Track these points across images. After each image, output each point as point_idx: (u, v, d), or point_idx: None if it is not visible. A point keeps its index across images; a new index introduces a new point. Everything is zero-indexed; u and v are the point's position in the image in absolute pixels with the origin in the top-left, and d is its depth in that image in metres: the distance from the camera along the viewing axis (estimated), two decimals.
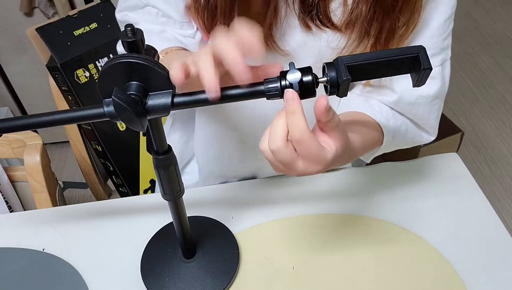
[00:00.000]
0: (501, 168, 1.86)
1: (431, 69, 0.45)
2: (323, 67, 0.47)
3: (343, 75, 0.45)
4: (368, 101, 0.69)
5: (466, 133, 1.90)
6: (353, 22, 0.60)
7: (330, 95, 0.47)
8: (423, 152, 1.69)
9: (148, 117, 0.46)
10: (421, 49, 0.45)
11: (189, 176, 0.90)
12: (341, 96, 0.47)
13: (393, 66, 0.47)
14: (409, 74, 0.48)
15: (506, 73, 2.29)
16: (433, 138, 0.74)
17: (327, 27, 0.61)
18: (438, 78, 0.67)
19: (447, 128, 1.81)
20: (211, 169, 0.84)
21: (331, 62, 0.46)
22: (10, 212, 0.92)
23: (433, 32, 0.64)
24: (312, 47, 0.64)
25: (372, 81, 0.70)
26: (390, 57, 0.46)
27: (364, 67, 0.46)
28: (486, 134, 1.99)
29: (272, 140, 0.45)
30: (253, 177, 0.84)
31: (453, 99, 2.12)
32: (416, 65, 0.46)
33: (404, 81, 0.65)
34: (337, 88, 0.46)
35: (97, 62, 1.00)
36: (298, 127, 0.44)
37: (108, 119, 0.46)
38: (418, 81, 0.47)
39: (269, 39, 0.61)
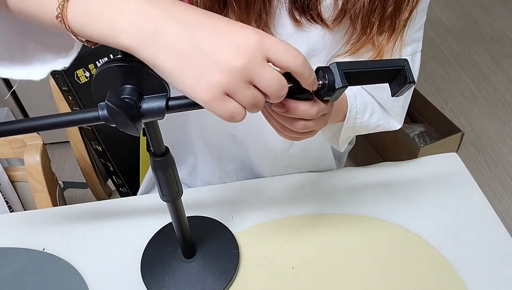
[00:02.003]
0: (500, 168, 1.86)
1: (414, 83, 0.47)
2: (317, 70, 0.47)
3: (341, 82, 0.46)
4: None
5: (466, 133, 1.90)
6: (342, 18, 0.61)
7: (324, 98, 0.48)
8: (423, 152, 1.69)
9: (143, 121, 0.46)
10: (406, 62, 0.48)
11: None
12: (332, 100, 0.48)
13: (381, 76, 0.49)
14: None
15: (505, 72, 2.29)
16: (399, 126, 0.74)
17: (317, 23, 0.62)
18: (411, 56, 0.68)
19: (447, 128, 1.81)
20: (210, 165, 0.85)
21: (327, 67, 0.47)
22: (10, 212, 0.92)
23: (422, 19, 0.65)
24: (304, 38, 0.64)
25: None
26: (382, 68, 0.48)
27: (358, 75, 0.47)
28: (486, 134, 1.99)
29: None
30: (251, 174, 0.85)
31: (453, 99, 2.12)
32: (399, 77, 0.48)
33: None
34: (332, 93, 0.47)
35: (97, 62, 1.00)
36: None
37: (103, 122, 0.46)
38: (399, 93, 0.49)
39: (263, 25, 0.61)
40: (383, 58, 0.64)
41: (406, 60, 0.47)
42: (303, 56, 0.40)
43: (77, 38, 0.41)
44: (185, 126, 0.82)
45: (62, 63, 0.46)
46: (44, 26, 0.43)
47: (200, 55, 0.37)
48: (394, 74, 0.48)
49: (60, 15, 0.39)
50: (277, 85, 0.39)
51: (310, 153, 0.82)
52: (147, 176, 0.96)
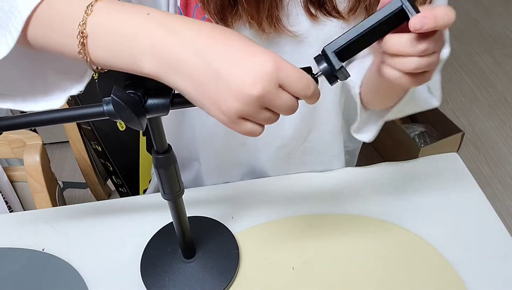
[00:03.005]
0: (501, 168, 1.85)
1: (419, 12, 0.43)
2: (315, 60, 0.47)
3: (335, 65, 0.45)
4: None
5: (466, 133, 1.90)
6: (357, 8, 0.60)
7: (332, 84, 0.47)
8: (423, 152, 1.69)
9: (148, 116, 0.46)
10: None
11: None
12: (343, 80, 0.47)
13: (380, 30, 0.45)
14: None
15: (506, 72, 2.28)
16: (438, 104, 0.73)
17: (333, 16, 0.62)
18: (447, 46, 0.67)
19: (447, 128, 1.80)
20: (212, 167, 0.85)
21: (319, 55, 0.46)
22: (10, 212, 0.92)
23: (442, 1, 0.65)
24: (321, 31, 0.64)
25: None
26: (375, 24, 0.45)
27: (353, 45, 0.45)
28: (487, 134, 1.99)
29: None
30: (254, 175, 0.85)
31: (453, 99, 2.12)
32: (403, 17, 0.44)
33: None
34: (336, 77, 0.46)
35: None
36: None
37: (108, 118, 0.46)
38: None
39: (275, 21, 0.61)
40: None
41: None
42: (314, 86, 0.43)
43: (98, 69, 0.43)
44: (189, 133, 0.82)
45: (78, 88, 0.48)
46: (65, 59, 0.44)
47: (217, 84, 0.39)
48: (396, 19, 0.45)
49: (82, 51, 0.41)
50: (290, 109, 0.42)
51: (322, 147, 0.81)
52: (154, 178, 0.95)
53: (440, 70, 0.70)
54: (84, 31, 0.40)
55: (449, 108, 2.07)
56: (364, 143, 0.93)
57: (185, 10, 0.63)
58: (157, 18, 0.40)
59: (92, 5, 0.40)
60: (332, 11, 0.61)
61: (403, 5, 0.43)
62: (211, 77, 0.39)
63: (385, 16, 0.44)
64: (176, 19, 0.41)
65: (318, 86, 0.46)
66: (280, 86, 0.41)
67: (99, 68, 0.43)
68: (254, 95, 0.39)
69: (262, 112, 0.41)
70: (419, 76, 0.48)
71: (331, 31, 0.64)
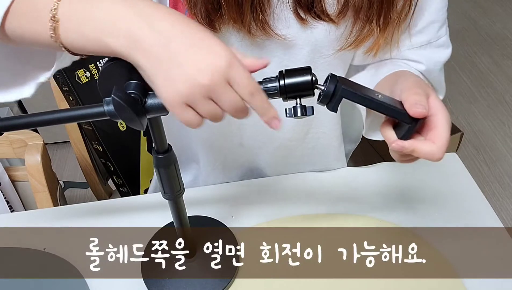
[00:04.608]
0: (500, 167, 1.86)
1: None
2: (328, 76, 0.48)
3: (334, 105, 0.48)
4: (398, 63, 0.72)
5: (465, 133, 1.90)
6: (346, 12, 0.61)
7: (320, 104, 0.49)
8: None
9: (148, 116, 0.47)
10: (413, 122, 0.51)
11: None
12: (329, 109, 0.50)
13: (383, 111, 0.50)
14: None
15: (505, 73, 2.29)
16: (442, 97, 0.77)
17: (322, 19, 0.62)
18: (448, 45, 0.72)
19: None
20: (212, 168, 0.85)
21: (335, 76, 0.48)
22: (11, 212, 0.92)
23: (438, 5, 0.68)
24: (310, 35, 0.64)
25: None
26: (383, 106, 0.50)
27: (357, 99, 0.49)
28: (485, 134, 1.99)
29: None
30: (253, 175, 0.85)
31: (452, 99, 2.12)
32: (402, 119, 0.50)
33: (423, 52, 0.70)
34: (328, 102, 0.48)
35: (97, 62, 1.00)
36: None
37: (108, 118, 0.46)
38: (404, 136, 0.51)
39: (263, 25, 0.61)
40: (389, 51, 0.68)
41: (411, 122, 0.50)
42: (260, 96, 0.44)
43: (71, 53, 0.45)
44: (187, 135, 0.82)
45: (46, 76, 0.51)
46: (38, 47, 0.47)
47: (172, 64, 0.41)
48: (396, 117, 0.51)
49: (53, 36, 0.44)
50: (235, 109, 0.43)
51: (320, 148, 0.82)
52: (155, 176, 0.96)
53: (443, 68, 0.73)
54: (56, 16, 0.43)
55: (448, 108, 2.07)
56: (359, 144, 0.94)
57: None
58: (125, 2, 0.43)
59: None
60: (322, 15, 0.61)
61: (409, 127, 0.50)
62: (166, 56, 0.41)
63: (394, 111, 0.50)
64: (145, 3, 0.43)
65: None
66: (229, 84, 0.42)
67: (73, 52, 0.45)
68: (202, 83, 0.41)
69: (207, 102, 0.43)
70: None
71: (320, 34, 0.64)
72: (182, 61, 0.41)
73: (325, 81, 0.48)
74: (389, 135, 0.53)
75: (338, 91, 0.47)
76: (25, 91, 0.51)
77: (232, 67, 0.42)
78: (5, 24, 0.46)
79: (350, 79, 0.53)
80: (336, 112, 0.49)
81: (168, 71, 0.42)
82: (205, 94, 0.42)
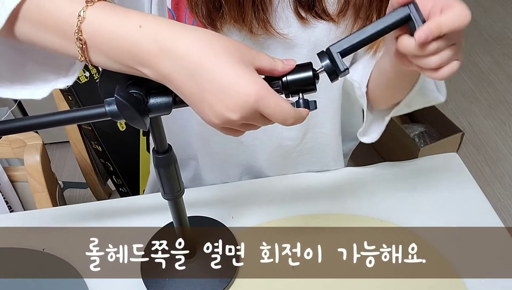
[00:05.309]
0: (501, 168, 1.85)
1: (424, 22, 0.45)
2: (318, 56, 0.47)
3: (341, 67, 0.46)
4: None
5: (466, 133, 1.90)
6: (346, 10, 0.61)
7: (333, 81, 0.48)
8: (423, 152, 1.69)
9: (150, 116, 0.46)
10: (411, 6, 0.45)
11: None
12: (342, 77, 0.48)
13: (384, 33, 0.47)
14: None
15: (506, 72, 2.28)
16: (443, 99, 0.74)
17: (323, 18, 0.62)
18: None
19: (447, 128, 1.80)
20: (211, 167, 0.85)
21: (323, 52, 0.47)
22: (10, 212, 0.92)
23: None
24: (311, 34, 0.64)
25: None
26: (383, 30, 0.46)
27: (357, 47, 0.47)
28: (486, 134, 1.99)
29: None
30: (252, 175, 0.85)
31: (453, 99, 2.12)
32: (407, 20, 0.46)
33: None
34: (337, 76, 0.47)
35: None
36: None
37: (110, 118, 0.46)
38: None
39: (264, 24, 0.61)
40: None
41: (411, 2, 0.45)
42: (293, 119, 0.45)
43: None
44: (186, 132, 0.82)
45: (65, 82, 0.49)
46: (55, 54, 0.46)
47: (203, 103, 0.43)
48: (400, 24, 0.46)
49: (82, 56, 0.44)
50: (275, 123, 0.45)
51: (319, 148, 0.81)
52: (151, 177, 0.96)
53: None
54: (82, 38, 0.43)
55: (448, 108, 2.07)
56: (359, 144, 0.93)
57: (176, 12, 0.63)
58: (150, 33, 0.42)
59: (84, 11, 0.42)
60: (322, 14, 0.62)
61: (411, 14, 0.45)
62: (198, 96, 0.43)
63: (391, 23, 0.46)
64: (169, 33, 0.43)
65: (317, 85, 0.47)
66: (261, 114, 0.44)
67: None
68: (232, 119, 0.43)
69: (242, 126, 0.46)
70: (443, 68, 0.50)
71: (321, 34, 0.64)
72: (212, 101, 0.43)
73: (321, 61, 0.47)
74: (405, 39, 0.47)
75: (335, 57, 0.46)
76: (37, 92, 0.49)
77: (260, 102, 0.43)
78: (15, 28, 0.44)
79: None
80: (348, 72, 0.47)
81: (201, 106, 0.44)
82: (239, 125, 0.45)
